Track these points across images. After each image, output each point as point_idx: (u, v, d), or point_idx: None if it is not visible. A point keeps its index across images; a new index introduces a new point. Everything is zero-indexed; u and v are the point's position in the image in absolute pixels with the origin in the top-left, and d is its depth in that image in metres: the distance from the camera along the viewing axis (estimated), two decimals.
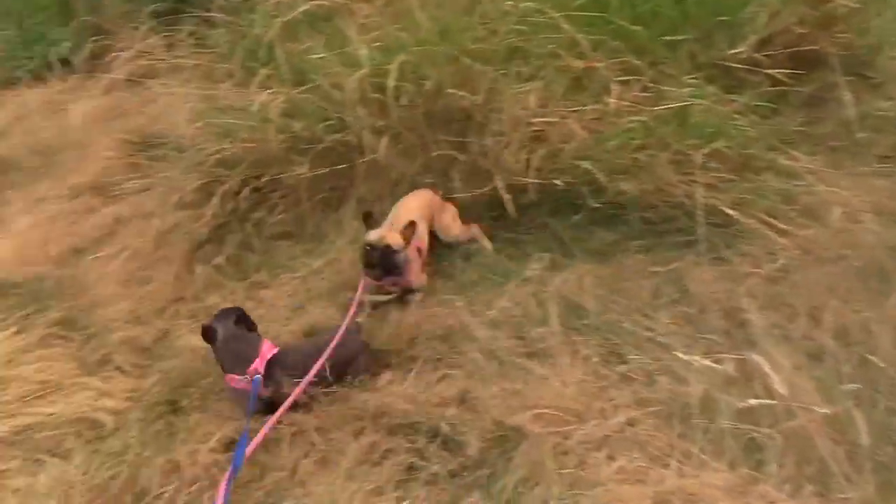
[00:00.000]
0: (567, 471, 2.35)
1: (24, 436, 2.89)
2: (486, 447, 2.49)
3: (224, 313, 2.81)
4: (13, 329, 3.49)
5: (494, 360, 2.81)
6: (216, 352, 2.75)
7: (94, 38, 5.48)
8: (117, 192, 4.44)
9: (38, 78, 6.27)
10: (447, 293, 3.23)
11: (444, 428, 2.55)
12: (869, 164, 3.66)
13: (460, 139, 3.51)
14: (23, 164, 5.24)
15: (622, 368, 2.75)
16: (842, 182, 3.53)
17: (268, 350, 2.71)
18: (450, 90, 3.55)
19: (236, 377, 2.67)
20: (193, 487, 2.50)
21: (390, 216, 3.32)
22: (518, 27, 3.76)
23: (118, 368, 3.22)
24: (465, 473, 2.44)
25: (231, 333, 2.73)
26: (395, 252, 3.06)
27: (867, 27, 4.19)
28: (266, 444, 2.57)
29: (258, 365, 2.65)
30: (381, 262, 3.05)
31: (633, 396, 2.62)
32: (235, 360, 2.69)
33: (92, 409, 2.98)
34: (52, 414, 2.99)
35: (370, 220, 3.18)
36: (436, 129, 3.56)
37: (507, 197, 3.27)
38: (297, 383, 2.65)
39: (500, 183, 3.29)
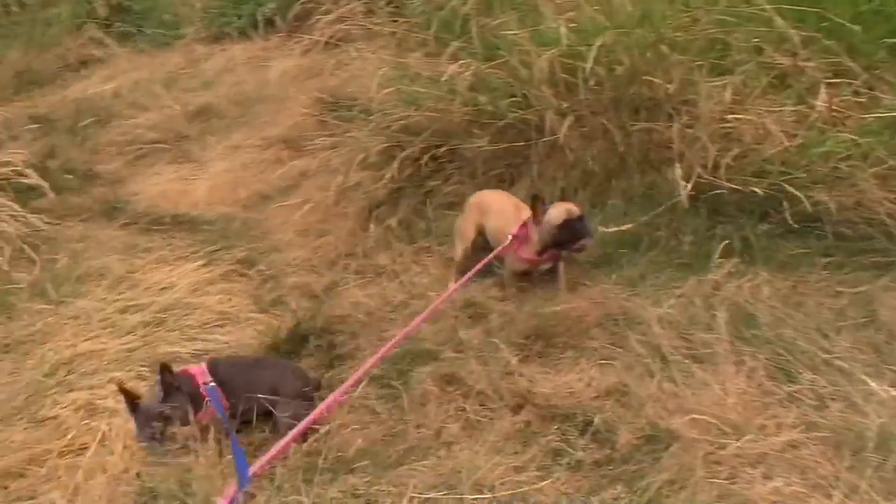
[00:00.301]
0: (717, 481, 2.26)
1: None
2: (637, 444, 2.44)
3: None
4: (201, 262, 3.83)
5: (657, 356, 2.73)
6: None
7: (300, 2, 5.80)
8: (306, 147, 4.72)
9: (244, 35, 6.77)
10: (614, 283, 3.17)
11: (597, 420, 2.53)
12: None
13: (647, 127, 3.39)
14: (224, 112, 5.69)
15: (791, 387, 2.59)
16: None
17: (198, 373, 2.64)
18: (643, 77, 3.45)
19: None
20: None
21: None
22: (722, 17, 3.58)
23: (289, 309, 3.44)
24: (610, 466, 2.41)
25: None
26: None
27: None
28: (412, 400, 2.66)
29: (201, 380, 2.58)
30: (582, 230, 3.06)
31: (801, 418, 2.45)
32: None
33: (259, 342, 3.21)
34: (226, 342, 3.26)
35: (538, 204, 3.12)
36: (622, 116, 3.47)
37: (682, 183, 3.12)
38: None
39: (678, 171, 3.15)
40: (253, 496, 2.22)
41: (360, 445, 2.48)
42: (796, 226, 3.15)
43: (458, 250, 3.43)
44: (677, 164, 3.18)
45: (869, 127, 3.28)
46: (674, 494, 2.25)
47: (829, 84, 3.40)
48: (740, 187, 3.18)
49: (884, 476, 2.22)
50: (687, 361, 2.69)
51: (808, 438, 2.37)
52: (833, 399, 2.50)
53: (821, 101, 3.28)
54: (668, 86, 3.37)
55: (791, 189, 3.10)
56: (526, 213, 3.17)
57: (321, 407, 2.40)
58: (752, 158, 3.23)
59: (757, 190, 3.17)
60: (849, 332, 2.79)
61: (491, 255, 3.13)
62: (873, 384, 2.45)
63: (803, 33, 3.46)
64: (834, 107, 3.36)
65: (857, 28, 3.48)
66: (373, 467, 2.37)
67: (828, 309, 2.93)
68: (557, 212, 3.06)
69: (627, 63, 3.46)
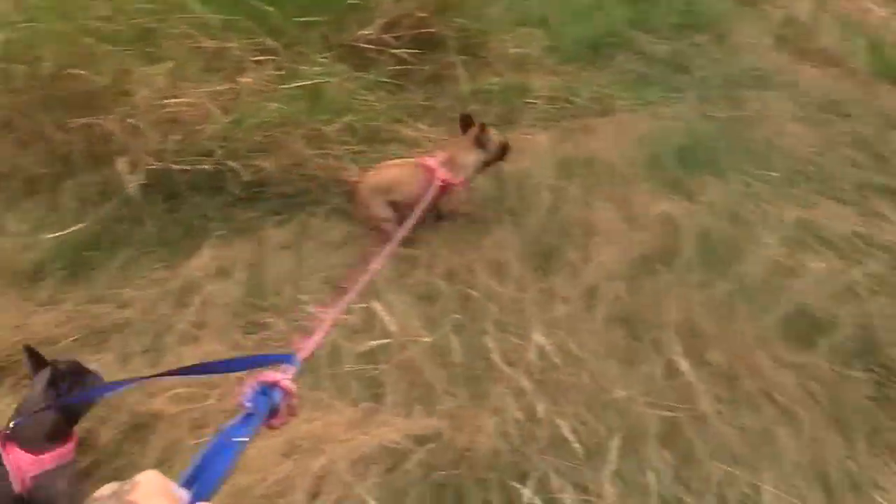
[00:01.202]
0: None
1: None
2: (121, 438, 2.47)
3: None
4: None
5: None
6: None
7: None
8: None
9: None
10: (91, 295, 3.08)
11: None
12: None
13: (87, 123, 3.34)
14: None
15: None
16: None
17: None
18: (71, 71, 3.37)
19: None
20: None
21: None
22: (147, 6, 3.69)
23: None
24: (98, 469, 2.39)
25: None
26: None
27: (479, 14, 4.76)
28: None
29: None
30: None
31: None
32: None
33: None
34: None
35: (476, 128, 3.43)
36: (57, 115, 3.36)
37: (129, 177, 3.20)
38: None
39: (121, 165, 3.21)
40: None
41: None
42: (246, 193, 3.46)
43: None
44: (121, 158, 3.22)
45: (294, 96, 3.72)
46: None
47: (256, 62, 3.78)
48: (189, 167, 3.35)
49: (338, 383, 2.64)
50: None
51: None
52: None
53: (247, 78, 3.63)
54: (99, 78, 3.36)
55: (233, 163, 3.38)
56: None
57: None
58: (195, 138, 3.42)
59: (206, 167, 3.38)
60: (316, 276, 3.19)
61: (424, 204, 3.07)
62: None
63: (225, 17, 3.77)
64: (264, 81, 3.74)
65: (271, 10, 3.92)
66: None
67: (291, 258, 3.29)
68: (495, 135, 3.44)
69: (51, 58, 3.34)
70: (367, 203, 3.30)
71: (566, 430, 2.42)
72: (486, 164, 3.45)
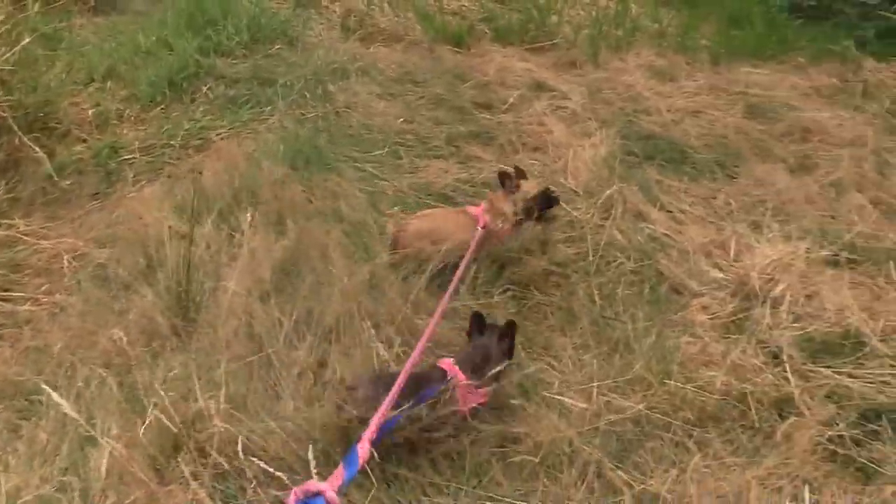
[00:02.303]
0: None
1: None
2: None
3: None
4: None
5: None
6: None
7: None
8: None
9: None
10: None
11: None
12: (83, 206, 3.88)
13: None
14: None
15: None
16: (64, 229, 3.68)
17: None
18: None
19: None
20: None
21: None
22: None
23: None
24: None
25: None
26: None
27: (34, 85, 4.35)
28: None
29: None
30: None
31: None
32: None
33: None
34: None
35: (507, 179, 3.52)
36: None
37: None
38: None
39: None
40: None
41: None
42: None
43: None
44: None
45: None
46: None
47: None
48: None
49: None
50: None
51: None
52: None
53: None
54: None
55: None
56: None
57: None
58: None
59: None
60: None
61: (473, 249, 3.16)
62: None
63: None
64: None
65: None
66: None
67: None
68: (529, 185, 3.52)
69: None
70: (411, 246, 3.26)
71: None
72: (529, 212, 3.47)
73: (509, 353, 2.67)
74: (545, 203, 3.54)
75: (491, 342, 2.65)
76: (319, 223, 3.52)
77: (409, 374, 2.26)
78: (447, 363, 2.56)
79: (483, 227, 3.29)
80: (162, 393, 2.28)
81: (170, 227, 3.29)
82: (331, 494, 1.32)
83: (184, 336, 2.87)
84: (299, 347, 2.72)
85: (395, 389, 2.15)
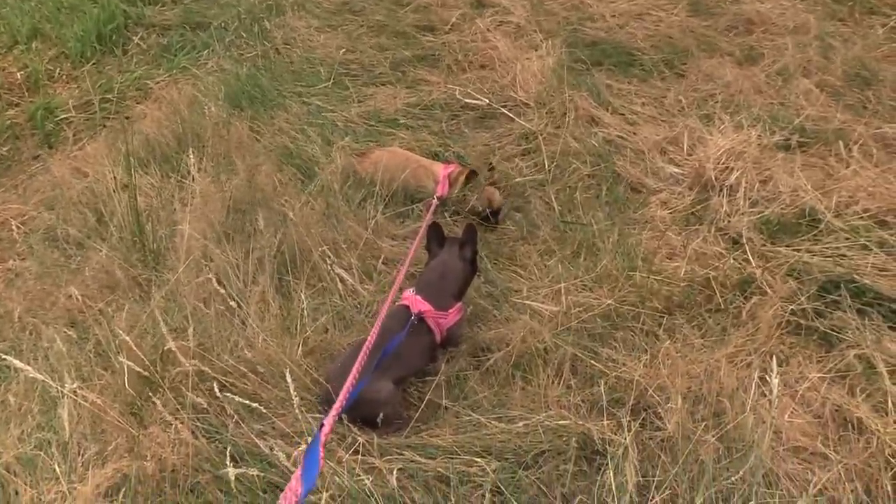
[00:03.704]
0: None
1: None
2: None
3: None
4: None
5: None
6: None
7: None
8: None
9: None
10: None
11: None
12: (25, 171, 3.76)
13: None
14: None
15: None
16: (7, 196, 3.57)
17: None
18: None
19: None
20: None
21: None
22: None
23: None
24: None
25: None
26: None
27: None
28: None
29: None
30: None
31: None
32: None
33: None
34: None
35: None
36: None
37: None
38: None
39: None
40: None
41: None
42: None
43: None
44: None
45: None
46: None
47: None
48: None
49: None
50: None
51: None
52: None
53: None
54: None
55: None
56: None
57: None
58: None
59: None
60: None
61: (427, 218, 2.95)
62: None
63: None
64: None
65: None
66: None
67: None
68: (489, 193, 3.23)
69: None
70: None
71: None
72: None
73: (473, 260, 2.63)
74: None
75: (451, 255, 2.61)
76: (269, 161, 3.44)
77: (378, 329, 2.17)
78: (409, 296, 2.49)
79: (439, 198, 3.22)
80: (128, 340, 2.24)
81: (115, 178, 3.19)
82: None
83: (144, 285, 2.82)
84: (261, 284, 2.68)
85: (355, 366, 2.00)
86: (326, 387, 2.24)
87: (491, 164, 3.39)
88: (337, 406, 1.86)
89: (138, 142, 3.63)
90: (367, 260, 2.87)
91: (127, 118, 3.94)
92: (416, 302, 2.45)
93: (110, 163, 3.55)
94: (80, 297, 2.74)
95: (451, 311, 2.49)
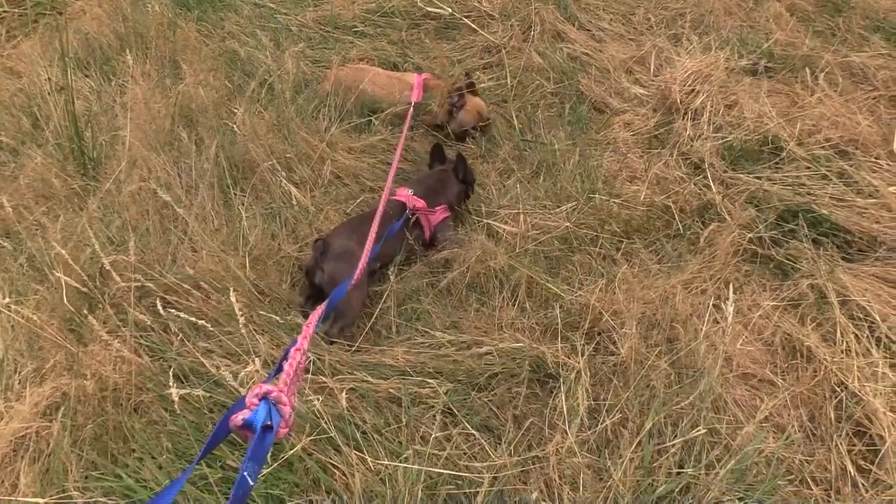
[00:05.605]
0: None
1: None
2: None
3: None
4: None
5: None
6: None
7: None
8: None
9: None
10: None
11: None
12: None
13: None
14: None
15: None
16: None
17: None
18: None
19: None
20: None
21: None
22: None
23: None
24: None
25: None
26: None
27: None
28: None
29: None
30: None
31: None
32: None
33: None
34: None
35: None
36: None
37: None
38: None
39: None
40: None
41: None
42: None
43: None
44: None
45: None
46: None
47: None
48: None
49: None
50: None
51: None
52: None
53: None
54: None
55: None
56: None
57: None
58: None
59: None
60: None
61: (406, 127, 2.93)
62: None
63: None
64: None
65: None
66: None
67: None
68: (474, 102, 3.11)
69: None
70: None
71: None
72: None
73: (465, 179, 2.76)
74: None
75: (451, 172, 2.75)
76: (218, 66, 3.25)
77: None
78: (404, 193, 2.60)
79: (414, 104, 3.11)
80: (64, 253, 2.12)
81: (50, 80, 2.97)
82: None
83: (83, 195, 2.67)
84: (207, 196, 2.56)
85: (367, 247, 2.03)
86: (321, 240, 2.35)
87: (467, 73, 3.24)
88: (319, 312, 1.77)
89: (76, 41, 3.39)
90: (320, 172, 2.75)
91: (60, 14, 3.65)
92: (410, 198, 2.58)
93: (46, 63, 3.31)
94: (13, 207, 2.58)
95: (437, 209, 2.64)
